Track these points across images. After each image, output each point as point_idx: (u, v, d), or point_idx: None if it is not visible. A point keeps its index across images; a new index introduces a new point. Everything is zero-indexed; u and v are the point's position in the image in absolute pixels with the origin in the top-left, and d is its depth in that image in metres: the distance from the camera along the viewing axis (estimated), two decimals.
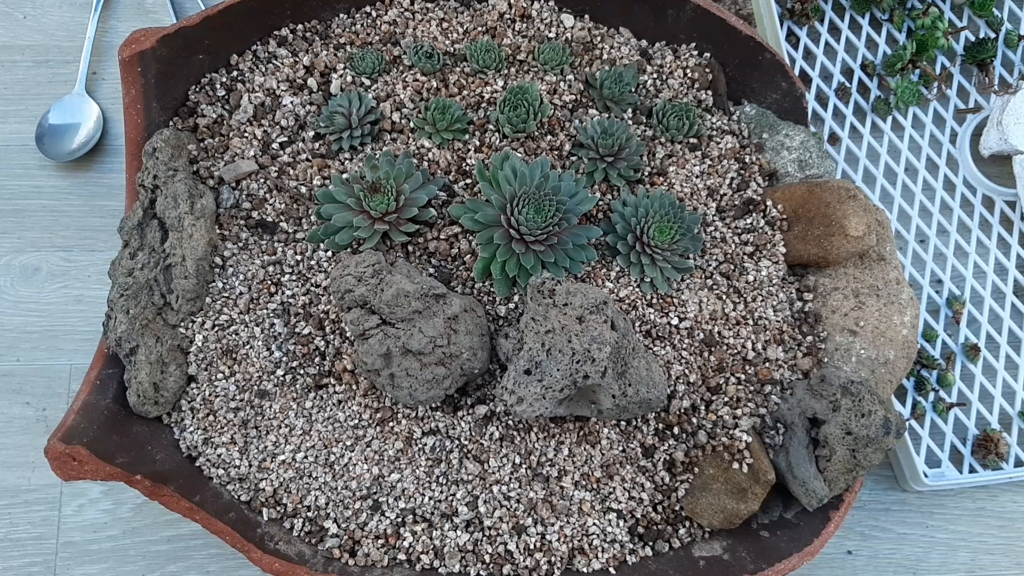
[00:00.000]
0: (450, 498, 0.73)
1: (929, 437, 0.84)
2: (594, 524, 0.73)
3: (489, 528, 0.73)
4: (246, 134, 0.80)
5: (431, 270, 0.76)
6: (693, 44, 0.85)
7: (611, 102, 0.81)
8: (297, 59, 0.82)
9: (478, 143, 0.79)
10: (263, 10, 0.81)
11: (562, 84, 0.82)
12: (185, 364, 0.75)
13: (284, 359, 0.74)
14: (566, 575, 0.73)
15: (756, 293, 0.78)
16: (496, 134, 0.80)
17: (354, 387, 0.74)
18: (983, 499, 0.86)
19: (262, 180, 0.78)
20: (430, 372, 0.69)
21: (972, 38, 0.95)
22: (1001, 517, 0.85)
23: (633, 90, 0.83)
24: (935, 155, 0.92)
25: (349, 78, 0.81)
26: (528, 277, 0.73)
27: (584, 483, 0.74)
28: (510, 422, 0.74)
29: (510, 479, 0.73)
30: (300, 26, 0.84)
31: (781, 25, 0.91)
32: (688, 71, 0.84)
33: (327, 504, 0.73)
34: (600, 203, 0.78)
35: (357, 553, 0.72)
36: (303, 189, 0.78)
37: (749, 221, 0.79)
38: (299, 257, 0.76)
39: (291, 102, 0.80)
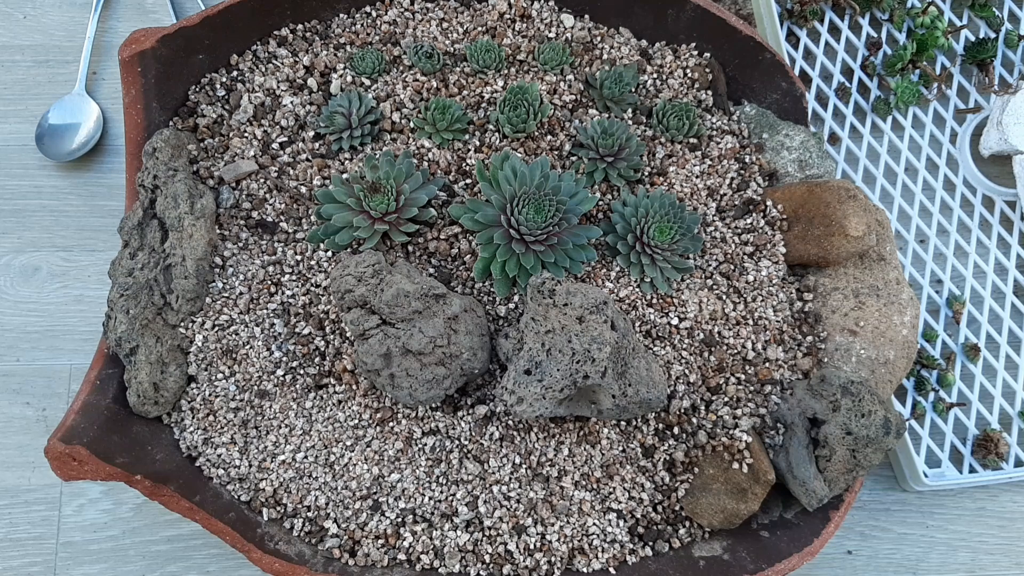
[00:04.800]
0: (450, 498, 0.73)
1: (929, 437, 0.84)
2: (594, 524, 0.74)
3: (489, 528, 0.73)
4: (246, 134, 0.80)
5: (431, 270, 0.76)
6: (693, 44, 0.85)
7: (611, 102, 0.81)
8: (297, 59, 0.82)
9: (478, 143, 0.79)
10: (263, 10, 0.81)
11: (562, 84, 0.82)
12: (185, 364, 0.75)
13: (284, 359, 0.74)
14: (566, 575, 0.73)
15: (756, 293, 0.78)
16: (496, 134, 0.80)
17: (354, 387, 0.74)
18: (983, 499, 0.86)
19: (262, 180, 0.78)
20: (430, 372, 0.69)
21: (972, 38, 0.95)
22: (1001, 517, 0.85)
23: (633, 90, 0.83)
24: (935, 155, 0.92)
25: (349, 78, 0.81)
26: (528, 277, 0.73)
27: (584, 483, 0.74)
28: (510, 422, 0.74)
29: (510, 479, 0.73)
30: (300, 26, 0.84)
31: (781, 25, 0.91)
32: (688, 71, 0.84)
33: (327, 504, 0.73)
34: (600, 203, 0.78)
35: (357, 553, 0.72)
36: (303, 189, 0.78)
37: (749, 221, 0.79)
38: (299, 257, 0.76)
39: (291, 102, 0.80)
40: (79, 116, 0.91)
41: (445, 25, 0.84)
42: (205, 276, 0.75)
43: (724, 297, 0.77)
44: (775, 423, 0.75)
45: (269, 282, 0.76)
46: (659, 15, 0.84)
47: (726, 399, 0.75)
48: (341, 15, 0.85)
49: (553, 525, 0.73)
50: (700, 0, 0.81)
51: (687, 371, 0.75)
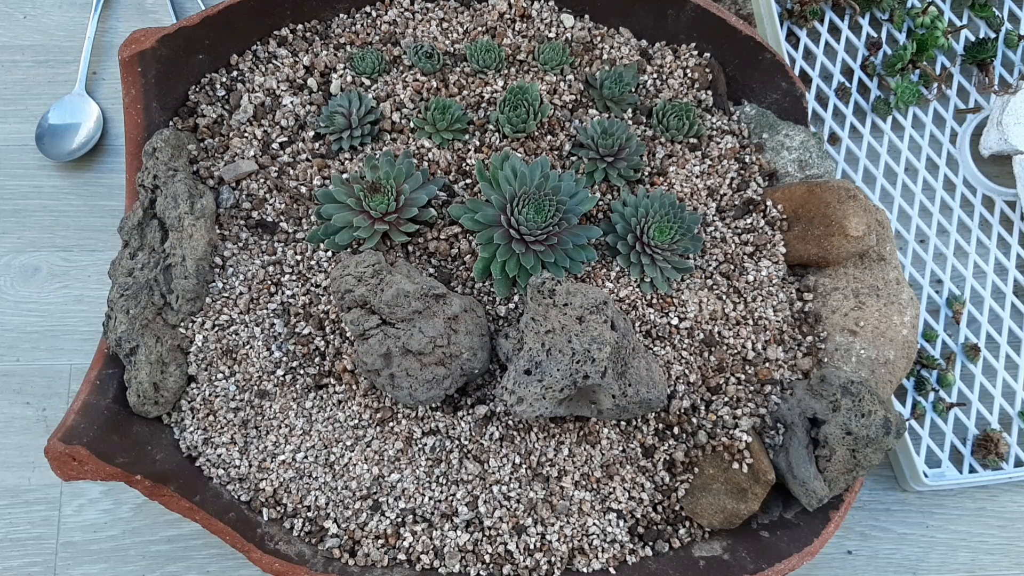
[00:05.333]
0: (450, 498, 0.73)
1: (929, 437, 0.84)
2: (594, 524, 0.74)
3: (489, 528, 0.73)
4: (246, 134, 0.80)
5: (431, 270, 0.76)
6: (693, 44, 0.85)
7: (611, 102, 0.82)
8: (297, 59, 0.82)
9: (478, 143, 0.79)
10: (263, 10, 0.81)
11: (562, 84, 0.82)
12: (185, 364, 0.75)
13: (284, 359, 0.74)
14: (566, 575, 0.73)
15: (756, 293, 0.78)
16: (496, 134, 0.80)
17: (354, 387, 0.74)
18: (983, 499, 0.86)
19: (262, 180, 0.78)
20: (430, 372, 0.69)
21: (972, 38, 0.95)
22: (1001, 517, 0.85)
23: (633, 90, 0.83)
24: (935, 155, 0.92)
25: (349, 78, 0.81)
26: (528, 277, 0.73)
27: (584, 483, 0.74)
28: (510, 422, 0.74)
29: (510, 479, 0.73)
30: (300, 26, 0.84)
31: (781, 25, 0.91)
32: (688, 71, 0.84)
33: (327, 504, 0.73)
34: (600, 203, 0.78)
35: (357, 553, 0.72)
36: (303, 189, 0.78)
37: (749, 221, 0.79)
38: (299, 257, 0.76)
39: (291, 102, 0.80)
40: (79, 116, 0.91)
41: (445, 25, 0.84)
42: (205, 276, 0.75)
43: (724, 297, 0.77)
44: (775, 423, 0.75)
45: (269, 282, 0.76)
46: (659, 15, 0.84)
47: (726, 399, 0.75)
48: (341, 15, 0.85)
49: (553, 525, 0.73)
50: (700, 0, 0.81)
51: (687, 371, 0.75)
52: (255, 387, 0.75)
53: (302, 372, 0.75)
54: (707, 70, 0.84)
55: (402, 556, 0.73)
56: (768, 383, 0.76)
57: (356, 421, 0.74)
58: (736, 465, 0.73)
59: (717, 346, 0.76)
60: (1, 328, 0.87)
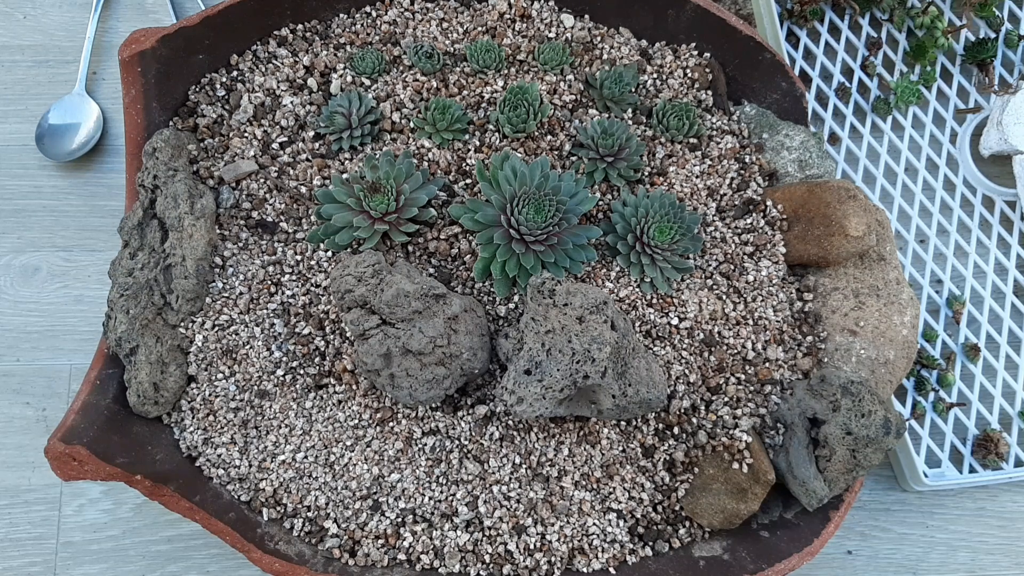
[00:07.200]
0: (450, 498, 0.73)
1: (929, 437, 0.84)
2: (594, 524, 0.74)
3: (489, 528, 0.73)
4: (246, 134, 0.80)
5: (431, 270, 0.76)
6: (693, 44, 0.85)
7: (611, 102, 0.81)
8: (297, 59, 0.82)
9: (478, 143, 0.79)
10: (263, 10, 0.81)
11: (562, 84, 0.82)
12: (185, 364, 0.75)
13: (284, 359, 0.74)
14: (566, 575, 0.73)
15: (756, 293, 0.78)
16: (496, 134, 0.80)
17: (354, 387, 0.74)
18: (983, 499, 0.86)
19: (262, 180, 0.78)
20: (430, 372, 0.69)
21: (972, 38, 0.95)
22: (1001, 517, 0.85)
23: (633, 90, 0.83)
24: (935, 155, 0.92)
25: (349, 78, 0.81)
26: (528, 277, 0.73)
27: (584, 483, 0.74)
28: (510, 422, 0.74)
29: (510, 479, 0.73)
30: (300, 26, 0.84)
31: (781, 25, 0.91)
32: (688, 71, 0.84)
33: (327, 504, 0.73)
34: (600, 203, 0.78)
35: (357, 553, 0.72)
36: (303, 189, 0.78)
37: (749, 221, 0.79)
38: (299, 257, 0.76)
39: (291, 102, 0.80)
40: (79, 116, 0.91)
41: (445, 25, 0.84)
42: (205, 276, 0.75)
43: (724, 297, 0.77)
44: (775, 423, 0.75)
45: (269, 282, 0.76)
46: (659, 15, 0.84)
47: (726, 399, 0.75)
48: (341, 15, 0.85)
49: (553, 525, 0.73)
50: (700, 0, 0.81)
51: (687, 371, 0.75)
52: (255, 387, 0.75)
53: (302, 372, 0.75)
54: (707, 70, 0.84)
55: (402, 556, 0.73)
56: (768, 383, 0.76)
57: (356, 421, 0.74)
58: (736, 465, 0.73)
59: (717, 346, 0.76)
60: (1, 328, 0.87)
